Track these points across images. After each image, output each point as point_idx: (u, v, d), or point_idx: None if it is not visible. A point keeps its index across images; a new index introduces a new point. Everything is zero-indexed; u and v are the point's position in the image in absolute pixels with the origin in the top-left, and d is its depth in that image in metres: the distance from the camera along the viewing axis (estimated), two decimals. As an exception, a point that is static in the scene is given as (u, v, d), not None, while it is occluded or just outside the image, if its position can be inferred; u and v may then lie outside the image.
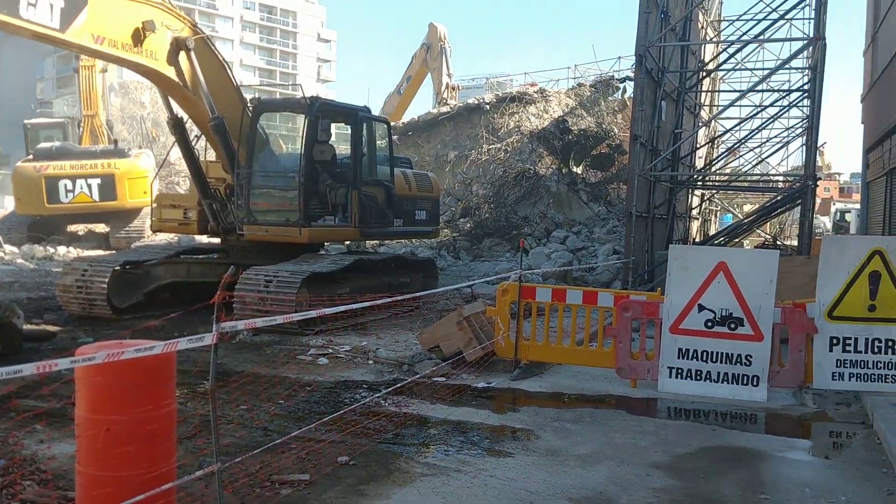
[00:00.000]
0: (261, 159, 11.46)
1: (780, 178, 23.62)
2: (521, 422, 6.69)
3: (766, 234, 28.58)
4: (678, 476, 5.37)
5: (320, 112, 11.13)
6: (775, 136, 26.44)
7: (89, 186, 20.91)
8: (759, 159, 27.03)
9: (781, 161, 31.11)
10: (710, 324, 7.94)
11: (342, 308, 5.67)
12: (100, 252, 18.21)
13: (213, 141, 11.27)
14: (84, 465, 3.95)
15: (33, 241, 20.59)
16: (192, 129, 11.98)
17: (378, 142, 13.09)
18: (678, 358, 8.03)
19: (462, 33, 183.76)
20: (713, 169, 27.36)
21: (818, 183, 18.32)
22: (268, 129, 12.20)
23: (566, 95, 28.32)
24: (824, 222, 46.62)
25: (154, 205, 12.52)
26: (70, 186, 20.78)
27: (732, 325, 7.89)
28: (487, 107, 26.57)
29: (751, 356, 7.81)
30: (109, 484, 3.87)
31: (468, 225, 22.88)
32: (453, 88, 30.68)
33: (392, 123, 30.50)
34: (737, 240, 24.40)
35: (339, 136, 15.44)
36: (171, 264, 11.78)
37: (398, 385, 7.56)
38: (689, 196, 24.07)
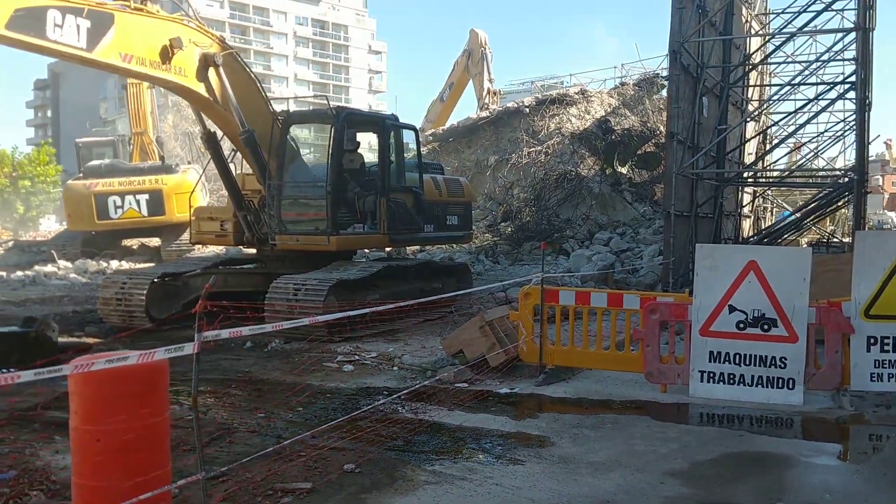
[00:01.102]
0: (291, 170, 11.58)
1: (834, 173, 22.86)
2: (538, 428, 6.56)
3: (822, 230, 27.67)
4: (693, 484, 5.19)
5: (346, 122, 11.21)
6: (830, 130, 25.59)
7: (137, 202, 21.45)
8: (812, 153, 26.18)
9: (839, 154, 30.09)
10: (741, 325, 7.70)
11: (334, 316, 5.64)
12: (150, 265, 18.65)
13: (246, 153, 11.43)
14: (76, 476, 4.02)
15: (87, 255, 21.20)
16: (230, 143, 12.17)
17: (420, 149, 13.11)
18: (709, 361, 7.80)
19: (508, 39, 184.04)
20: (762, 165, 26.66)
21: (885, 177, 17.64)
22: (316, 142, 12.32)
23: (609, 95, 27.93)
24: (892, 217, 44.96)
25: (193, 218, 12.76)
26: (119, 203, 21.35)
27: (765, 327, 7.63)
28: (527, 110, 26.38)
29: (785, 358, 7.54)
30: (99, 494, 3.92)
31: (509, 229, 22.73)
32: (495, 93, 30.58)
33: (434, 130, 30.67)
34: (791, 237, 23.69)
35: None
36: (208, 275, 11.94)
37: (411, 389, 7.51)
38: (739, 193, 23.45)
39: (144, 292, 10.79)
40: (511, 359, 8.63)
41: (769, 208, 31.76)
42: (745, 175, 21.97)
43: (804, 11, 18.03)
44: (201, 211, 12.92)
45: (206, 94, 10.54)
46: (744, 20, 21.57)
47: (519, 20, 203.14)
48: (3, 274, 18.80)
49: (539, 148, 25.33)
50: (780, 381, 7.56)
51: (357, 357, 9.39)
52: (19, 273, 18.42)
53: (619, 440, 6.23)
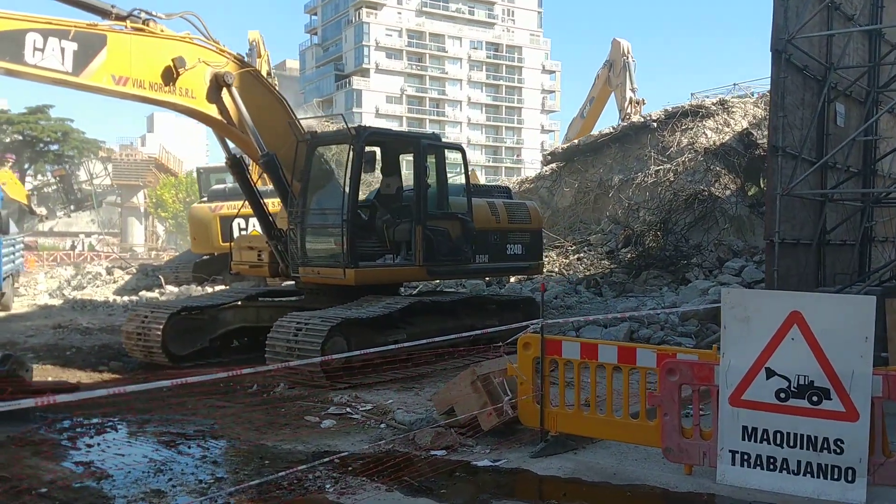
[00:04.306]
0: (316, 196, 10.71)
1: None
2: (472, 526, 5.13)
3: None
4: None
5: (367, 142, 10.15)
6: None
7: None
8: None
9: None
10: (783, 395, 5.91)
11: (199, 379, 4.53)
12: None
13: (269, 177, 10.73)
14: None
15: (198, 280, 21.51)
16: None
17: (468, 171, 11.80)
18: (742, 439, 6.05)
19: (667, 51, 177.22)
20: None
21: None
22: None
23: (754, 105, 25.02)
24: None
25: (234, 246, 12.24)
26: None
27: (815, 398, 5.79)
28: (654, 124, 24.09)
29: (842, 441, 5.67)
30: None
31: (629, 255, 20.66)
32: (637, 103, 28.39)
33: (553, 149, 28.97)
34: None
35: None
36: (239, 308, 11.33)
37: (335, 458, 6.21)
38: (903, 215, 19.94)
39: (161, 327, 10.24)
40: (508, 421, 7.19)
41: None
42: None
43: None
44: (242, 239, 12.40)
45: (219, 117, 9.92)
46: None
47: (690, 34, 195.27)
48: (116, 298, 19.39)
49: (668, 166, 23.03)
50: (836, 470, 5.70)
51: (348, 410, 8.25)
52: (125, 298, 18.90)
53: (563, 553, 4.68)
